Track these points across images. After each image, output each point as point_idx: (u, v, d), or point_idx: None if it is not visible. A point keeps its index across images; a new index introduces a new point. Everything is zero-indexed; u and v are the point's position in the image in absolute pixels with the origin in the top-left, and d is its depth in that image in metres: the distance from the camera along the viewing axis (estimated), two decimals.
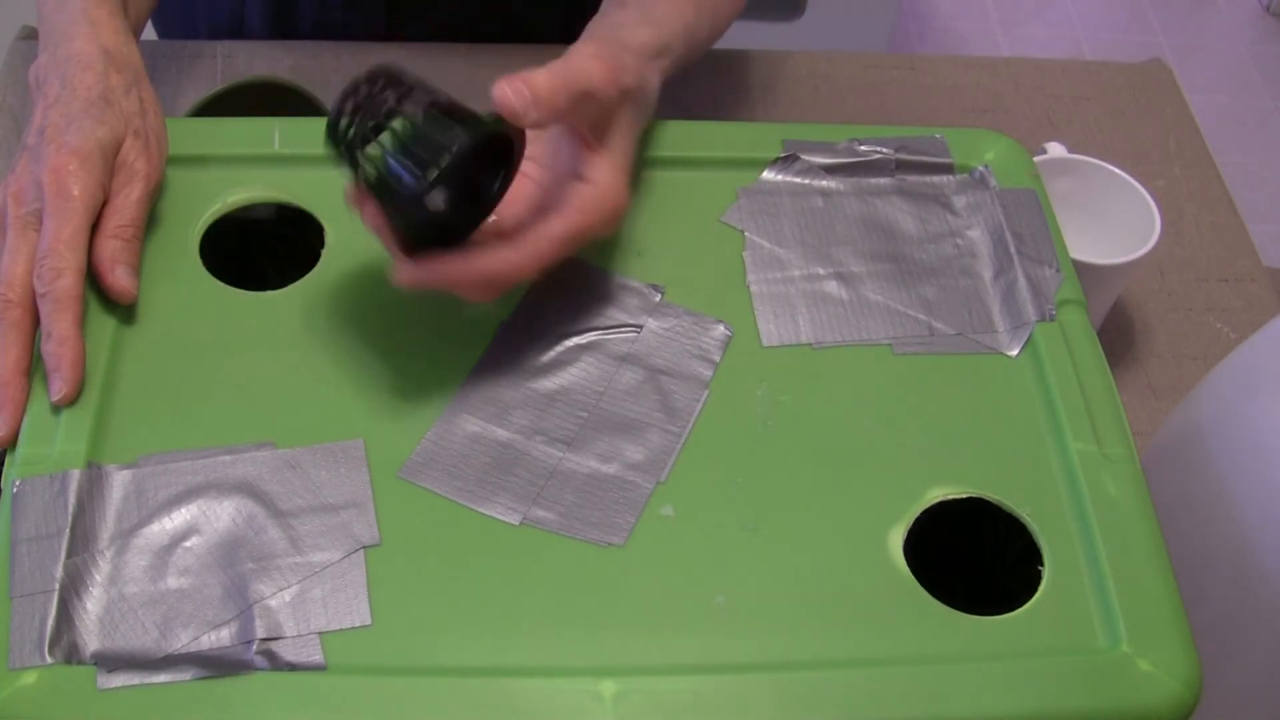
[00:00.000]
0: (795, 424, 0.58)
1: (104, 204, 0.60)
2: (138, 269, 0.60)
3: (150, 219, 0.62)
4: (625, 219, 0.62)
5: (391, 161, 0.54)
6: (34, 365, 0.56)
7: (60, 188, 0.58)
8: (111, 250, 0.59)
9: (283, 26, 0.99)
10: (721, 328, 0.61)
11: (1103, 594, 0.53)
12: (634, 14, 0.67)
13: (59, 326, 0.56)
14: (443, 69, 0.93)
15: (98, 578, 0.50)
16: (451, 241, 0.57)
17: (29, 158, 0.60)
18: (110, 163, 0.60)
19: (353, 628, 0.50)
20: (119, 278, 0.58)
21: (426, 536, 0.53)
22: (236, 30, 1.00)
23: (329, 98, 0.82)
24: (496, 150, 0.57)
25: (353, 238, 0.62)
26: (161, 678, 0.48)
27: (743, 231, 0.65)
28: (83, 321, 0.57)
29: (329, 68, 0.92)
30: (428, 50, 0.94)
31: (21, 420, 0.55)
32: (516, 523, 0.54)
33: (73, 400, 0.55)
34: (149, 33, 1.01)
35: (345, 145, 0.55)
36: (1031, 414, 0.59)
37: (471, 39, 0.95)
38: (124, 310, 0.59)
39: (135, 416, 0.56)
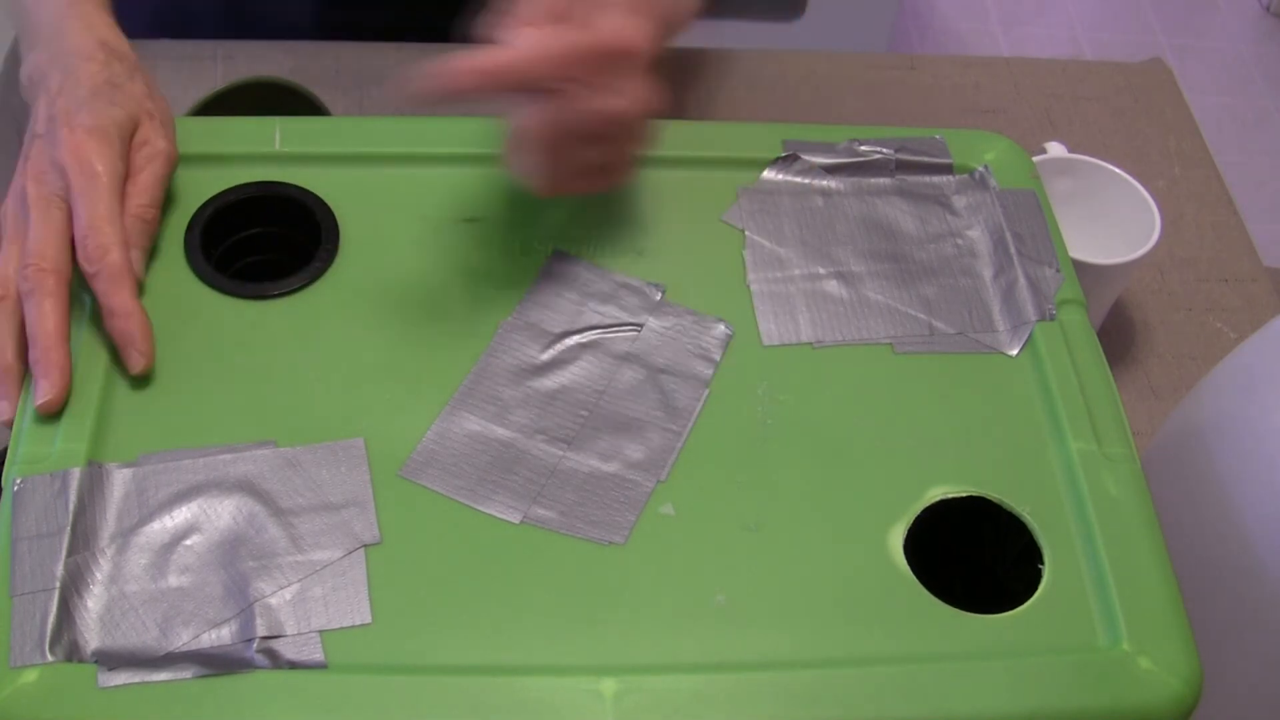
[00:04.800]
0: (795, 423, 0.58)
1: (125, 181, 0.60)
2: (149, 253, 0.60)
3: None
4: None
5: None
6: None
7: (84, 166, 0.58)
8: (134, 231, 0.59)
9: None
10: (722, 327, 0.61)
11: (1103, 593, 0.53)
12: None
13: (118, 301, 0.56)
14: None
15: (98, 576, 0.50)
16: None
17: (44, 143, 0.60)
18: (127, 142, 0.60)
19: (353, 626, 0.50)
20: (133, 261, 0.58)
21: (427, 535, 0.53)
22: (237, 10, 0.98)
23: (329, 98, 0.83)
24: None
25: (353, 236, 0.62)
26: (162, 676, 0.48)
27: (743, 231, 0.65)
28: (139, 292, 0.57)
29: (329, 68, 0.93)
30: (424, 52, 0.93)
31: (68, 387, 0.55)
32: (517, 521, 0.54)
33: (149, 369, 0.56)
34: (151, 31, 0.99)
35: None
36: (1031, 413, 0.59)
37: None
38: None
39: (136, 415, 0.56)
